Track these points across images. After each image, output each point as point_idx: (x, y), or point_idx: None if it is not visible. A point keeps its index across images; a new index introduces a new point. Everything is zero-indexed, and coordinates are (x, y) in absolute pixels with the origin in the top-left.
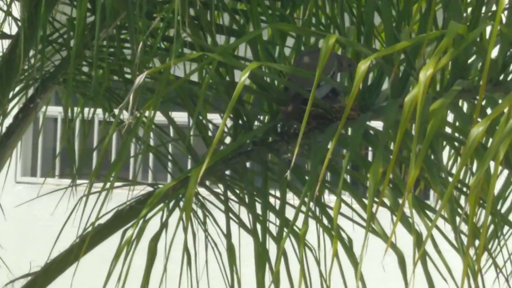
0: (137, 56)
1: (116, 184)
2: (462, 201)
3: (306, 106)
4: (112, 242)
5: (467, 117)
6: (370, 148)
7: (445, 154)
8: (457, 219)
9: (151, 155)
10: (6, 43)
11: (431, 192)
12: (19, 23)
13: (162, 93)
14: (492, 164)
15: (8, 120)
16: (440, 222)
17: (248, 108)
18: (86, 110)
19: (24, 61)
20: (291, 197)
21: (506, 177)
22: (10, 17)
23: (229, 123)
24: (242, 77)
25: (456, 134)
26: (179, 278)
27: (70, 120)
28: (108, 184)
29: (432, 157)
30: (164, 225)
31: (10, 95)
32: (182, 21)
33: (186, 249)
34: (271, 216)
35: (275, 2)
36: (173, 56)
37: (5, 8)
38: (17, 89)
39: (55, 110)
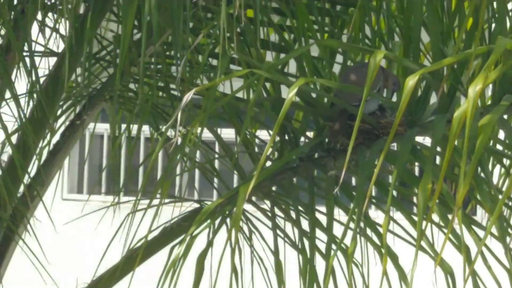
0: (179, 71)
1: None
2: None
3: (352, 121)
4: (158, 258)
5: None
6: (416, 164)
7: (496, 171)
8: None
9: (197, 172)
10: (53, 61)
11: (478, 209)
12: (66, 40)
13: (209, 110)
14: None
15: (56, 138)
16: (489, 239)
17: (295, 125)
18: (132, 127)
19: (70, 78)
20: (338, 213)
21: None
22: (57, 35)
23: (276, 139)
24: (290, 93)
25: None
26: None
27: (116, 137)
28: (154, 201)
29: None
30: (211, 243)
31: (58, 112)
32: (229, 38)
33: (233, 267)
34: (318, 233)
35: (323, 18)
36: (219, 73)
37: (52, 25)
38: (64, 106)
39: (101, 127)
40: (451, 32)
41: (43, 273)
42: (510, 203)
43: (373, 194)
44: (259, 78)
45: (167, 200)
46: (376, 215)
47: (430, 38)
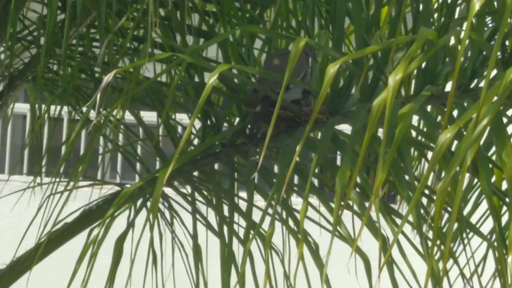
0: (101, 53)
1: (84, 183)
2: (424, 203)
3: (274, 108)
4: (80, 240)
5: (435, 123)
6: (338, 152)
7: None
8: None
9: (119, 155)
10: None
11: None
12: None
13: (130, 93)
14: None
15: None
16: (406, 226)
17: (217, 110)
18: (54, 108)
19: None
20: (258, 200)
21: (468, 180)
22: None
23: (198, 124)
24: (210, 79)
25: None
26: (144, 278)
27: (37, 118)
28: (74, 183)
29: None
30: (131, 225)
31: None
32: (153, 22)
33: (152, 249)
34: (238, 218)
35: (245, 3)
36: (143, 56)
37: None
38: None
39: (24, 107)
40: (374, 21)
41: None
42: (427, 192)
43: (295, 181)
44: (181, 62)
45: (87, 183)
46: (297, 202)
47: (353, 27)
